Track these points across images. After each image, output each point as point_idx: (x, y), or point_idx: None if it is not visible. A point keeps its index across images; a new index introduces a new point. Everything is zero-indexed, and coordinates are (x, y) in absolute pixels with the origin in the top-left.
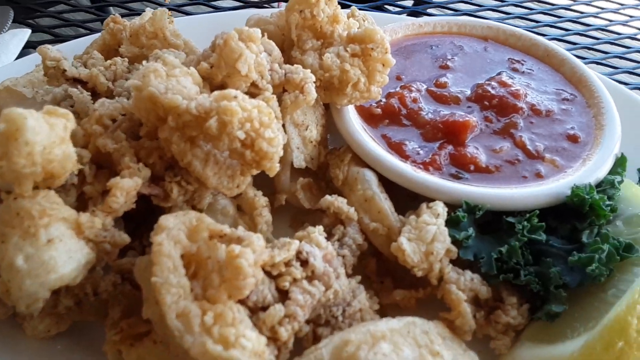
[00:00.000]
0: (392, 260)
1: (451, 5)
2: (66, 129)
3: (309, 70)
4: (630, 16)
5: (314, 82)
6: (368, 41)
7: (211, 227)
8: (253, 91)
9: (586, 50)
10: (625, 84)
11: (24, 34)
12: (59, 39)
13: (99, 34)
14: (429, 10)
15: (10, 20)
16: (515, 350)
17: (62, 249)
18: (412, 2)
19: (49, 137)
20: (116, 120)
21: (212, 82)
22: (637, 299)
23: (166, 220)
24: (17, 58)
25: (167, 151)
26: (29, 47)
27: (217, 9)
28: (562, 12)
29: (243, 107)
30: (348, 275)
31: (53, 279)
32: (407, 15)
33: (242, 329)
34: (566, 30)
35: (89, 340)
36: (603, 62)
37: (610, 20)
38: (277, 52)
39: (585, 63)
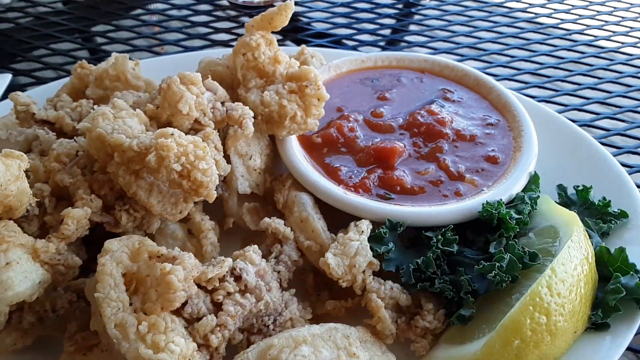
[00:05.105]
0: (326, 275)
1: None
2: (20, 168)
3: (247, 107)
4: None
5: (254, 117)
6: (303, 79)
7: (149, 249)
8: (196, 127)
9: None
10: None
11: (5, 79)
12: (39, 82)
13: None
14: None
15: None
16: (433, 351)
17: (18, 270)
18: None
19: (5, 176)
20: (74, 157)
21: (159, 121)
22: (529, 301)
23: (110, 244)
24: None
25: (116, 183)
26: (12, 90)
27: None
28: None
29: (179, 143)
30: (283, 289)
31: (10, 295)
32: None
33: (172, 336)
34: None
35: (51, 353)
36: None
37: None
38: (221, 91)
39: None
